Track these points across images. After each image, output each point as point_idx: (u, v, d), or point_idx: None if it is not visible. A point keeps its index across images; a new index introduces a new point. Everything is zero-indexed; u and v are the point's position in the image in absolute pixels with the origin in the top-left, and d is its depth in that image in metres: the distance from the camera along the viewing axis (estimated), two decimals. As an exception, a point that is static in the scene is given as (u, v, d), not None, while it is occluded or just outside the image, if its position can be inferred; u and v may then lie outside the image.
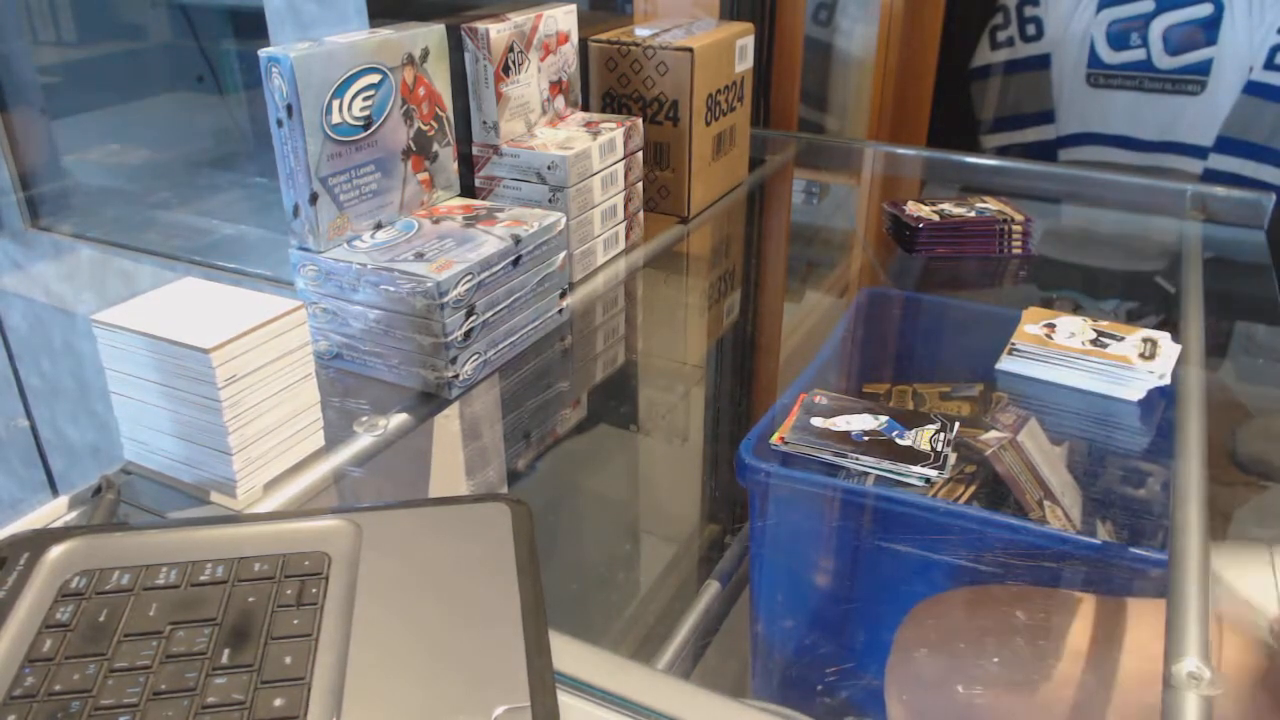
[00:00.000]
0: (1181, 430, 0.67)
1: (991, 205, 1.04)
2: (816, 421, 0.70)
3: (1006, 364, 0.79)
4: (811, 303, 1.12)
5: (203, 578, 0.45)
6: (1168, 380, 0.74)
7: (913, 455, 0.66)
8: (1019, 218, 1.01)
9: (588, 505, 0.93)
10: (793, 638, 0.70)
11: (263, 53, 0.65)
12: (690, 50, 0.97)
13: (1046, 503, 0.66)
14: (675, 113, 0.99)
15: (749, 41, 1.08)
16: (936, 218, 1.00)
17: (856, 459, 0.66)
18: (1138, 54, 1.47)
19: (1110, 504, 0.70)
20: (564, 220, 0.77)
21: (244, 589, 0.44)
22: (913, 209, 1.03)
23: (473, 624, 0.43)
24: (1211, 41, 1.41)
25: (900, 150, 1.35)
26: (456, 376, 0.69)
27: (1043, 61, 1.55)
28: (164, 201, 1.45)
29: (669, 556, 0.95)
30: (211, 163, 1.52)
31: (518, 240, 0.72)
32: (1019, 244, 1.01)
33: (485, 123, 0.86)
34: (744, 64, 1.09)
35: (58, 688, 0.39)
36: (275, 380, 0.57)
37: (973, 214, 1.02)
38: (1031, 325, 0.81)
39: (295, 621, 0.42)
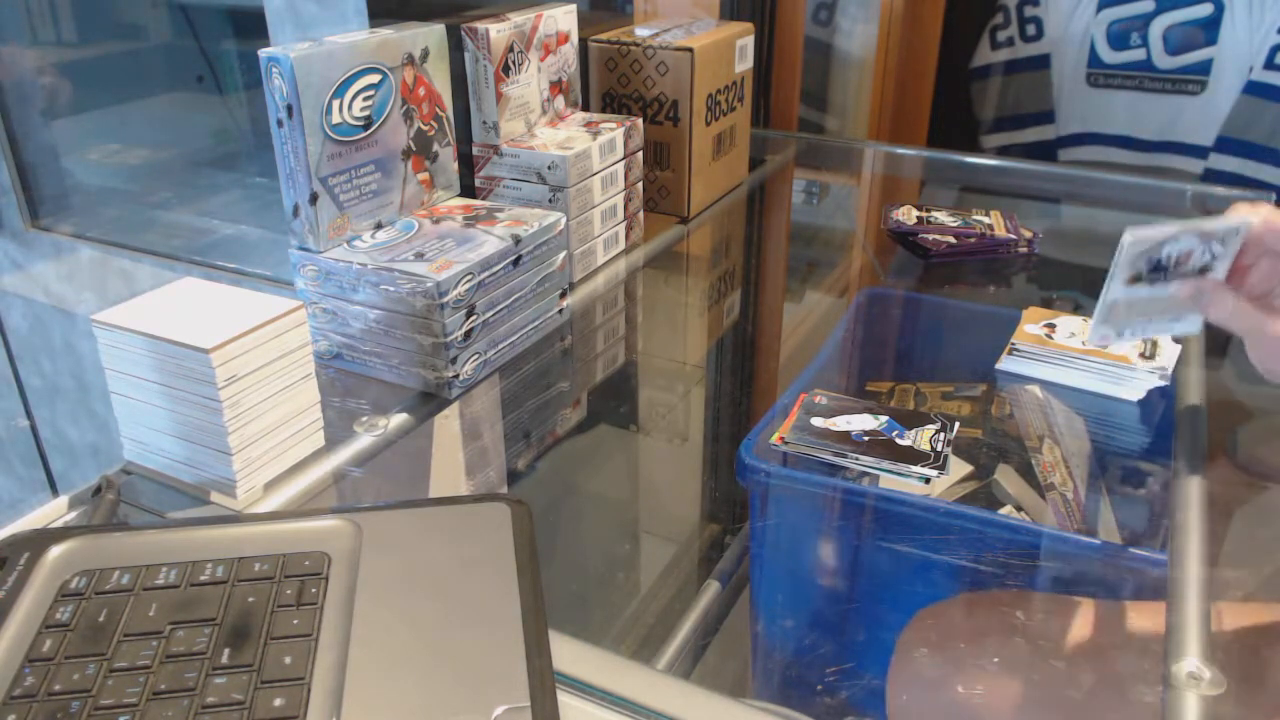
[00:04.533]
0: (1181, 430, 0.67)
1: (995, 221, 1.05)
2: (816, 421, 0.70)
3: (1007, 364, 0.79)
4: (811, 303, 1.12)
5: (203, 578, 0.45)
6: (1168, 380, 0.74)
7: (913, 455, 0.66)
8: (1027, 235, 1.02)
9: (588, 505, 0.93)
10: (793, 638, 0.70)
11: (263, 53, 0.65)
12: (690, 50, 0.97)
13: (1047, 441, 0.66)
14: (675, 113, 0.99)
15: (749, 41, 1.08)
16: (953, 239, 1.01)
17: (856, 459, 0.66)
18: (1138, 54, 1.47)
19: (1110, 504, 0.70)
20: (564, 220, 0.77)
21: (244, 589, 0.44)
22: (918, 225, 1.03)
23: (473, 624, 0.43)
24: (1211, 41, 1.41)
25: (900, 150, 1.35)
26: (456, 376, 0.69)
27: (1043, 61, 1.55)
28: (164, 201, 1.45)
29: (669, 556, 0.95)
30: (211, 163, 1.52)
31: (518, 240, 0.72)
32: (1024, 246, 1.02)
33: (485, 123, 0.86)
34: (744, 64, 1.09)
35: (58, 688, 0.39)
36: (275, 380, 0.57)
37: (976, 234, 1.02)
38: (1031, 325, 0.81)
39: (295, 621, 0.42)
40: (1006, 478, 0.72)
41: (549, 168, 0.83)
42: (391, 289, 0.67)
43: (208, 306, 0.57)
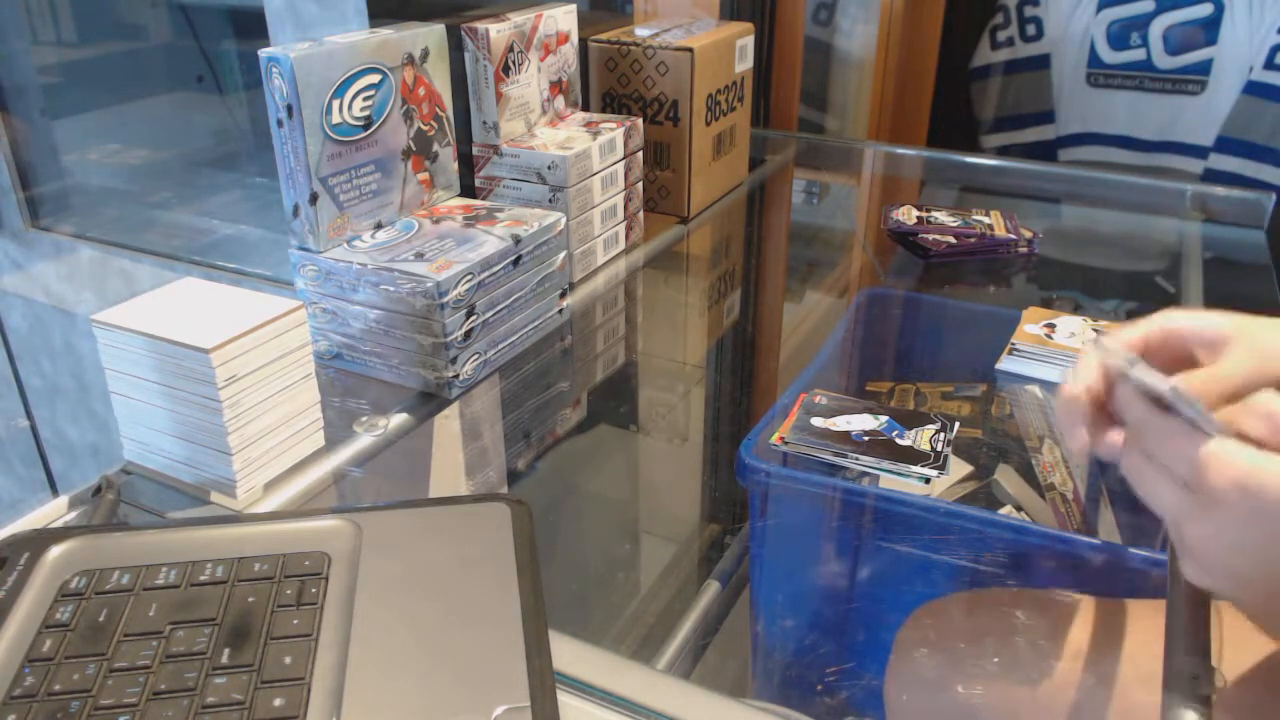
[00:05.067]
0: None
1: (995, 221, 1.05)
2: (816, 421, 0.70)
3: (1007, 364, 0.79)
4: (811, 303, 1.12)
5: (203, 578, 0.45)
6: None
7: (913, 455, 0.66)
8: (1027, 235, 1.02)
9: (588, 505, 0.93)
10: (793, 638, 0.70)
11: (263, 53, 0.65)
12: (690, 50, 0.97)
13: (1047, 441, 0.66)
14: (675, 113, 0.99)
15: (749, 41, 1.08)
16: (953, 239, 1.01)
17: (856, 459, 0.66)
18: (1138, 54, 1.47)
19: (1110, 504, 0.70)
20: (564, 220, 0.77)
21: (244, 589, 0.44)
22: (918, 225, 1.03)
23: (473, 624, 0.43)
24: (1211, 41, 1.41)
25: (900, 150, 1.35)
26: (456, 376, 0.69)
27: (1043, 61, 1.55)
28: (164, 201, 1.45)
29: (669, 556, 0.95)
30: (211, 163, 1.52)
31: (518, 240, 0.72)
32: (1025, 246, 1.02)
33: (485, 123, 0.86)
34: (744, 64, 1.09)
35: (58, 688, 0.39)
36: (275, 380, 0.57)
37: (976, 234, 1.02)
38: (1031, 325, 0.81)
39: (295, 621, 0.42)
40: (1006, 478, 0.72)
41: (549, 168, 0.83)
42: (391, 289, 0.67)
43: (208, 306, 0.57)
